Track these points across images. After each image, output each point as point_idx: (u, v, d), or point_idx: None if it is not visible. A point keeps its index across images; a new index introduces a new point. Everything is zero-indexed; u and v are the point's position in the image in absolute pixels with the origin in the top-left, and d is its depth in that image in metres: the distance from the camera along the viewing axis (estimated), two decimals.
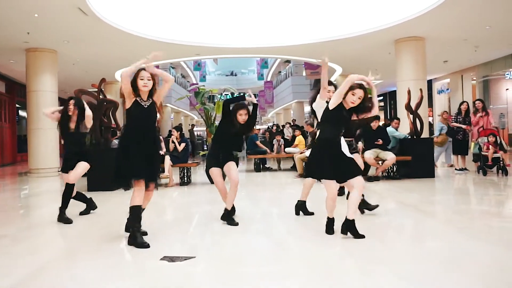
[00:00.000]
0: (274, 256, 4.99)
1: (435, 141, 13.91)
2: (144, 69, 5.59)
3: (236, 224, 6.48)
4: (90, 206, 7.89)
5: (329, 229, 5.68)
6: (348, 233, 5.47)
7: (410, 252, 5.00)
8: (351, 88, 5.38)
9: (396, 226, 6.46)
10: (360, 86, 5.43)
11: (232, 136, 6.79)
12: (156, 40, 16.14)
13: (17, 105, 24.85)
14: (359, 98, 5.39)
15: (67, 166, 7.34)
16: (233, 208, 6.91)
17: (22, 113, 25.80)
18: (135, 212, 5.45)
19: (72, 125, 7.27)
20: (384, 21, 15.15)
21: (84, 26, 13.73)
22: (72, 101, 7.32)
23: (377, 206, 7.17)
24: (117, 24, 14.25)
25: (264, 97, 43.47)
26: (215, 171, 6.76)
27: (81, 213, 7.73)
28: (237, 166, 7.03)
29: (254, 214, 7.55)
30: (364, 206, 7.07)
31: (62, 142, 7.68)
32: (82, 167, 7.38)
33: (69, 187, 7.38)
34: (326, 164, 5.39)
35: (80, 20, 13.10)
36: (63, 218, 7.09)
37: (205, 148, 25.65)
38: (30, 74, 16.47)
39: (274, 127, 25.05)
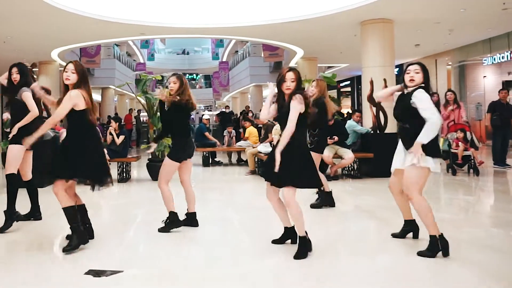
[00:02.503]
0: (212, 271, 5.06)
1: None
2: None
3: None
4: (34, 213, 7.41)
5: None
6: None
7: (357, 268, 5.09)
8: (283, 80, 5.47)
9: (348, 234, 6.59)
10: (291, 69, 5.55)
11: None
12: (95, 18, 15.98)
13: None
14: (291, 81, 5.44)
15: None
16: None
17: None
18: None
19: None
20: (349, 1, 15.17)
21: (18, 2, 13.51)
22: (15, 69, 7.13)
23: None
24: (54, 1, 13.98)
25: (218, 79, 43.14)
26: None
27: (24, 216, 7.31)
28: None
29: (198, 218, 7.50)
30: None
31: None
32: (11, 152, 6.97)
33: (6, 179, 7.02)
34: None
35: None
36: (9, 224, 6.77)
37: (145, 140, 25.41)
38: None
39: (227, 109, 24.57)
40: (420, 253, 5.33)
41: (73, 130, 5.77)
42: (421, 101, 5.27)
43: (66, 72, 5.60)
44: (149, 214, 8.08)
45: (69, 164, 5.59)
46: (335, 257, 5.52)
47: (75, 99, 5.53)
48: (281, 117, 5.52)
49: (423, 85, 5.46)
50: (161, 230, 6.60)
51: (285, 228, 5.86)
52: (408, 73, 5.52)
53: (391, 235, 6.16)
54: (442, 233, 5.29)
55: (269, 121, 13.83)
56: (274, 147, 5.62)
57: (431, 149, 5.29)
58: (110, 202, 9.16)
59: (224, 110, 22.31)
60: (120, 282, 4.65)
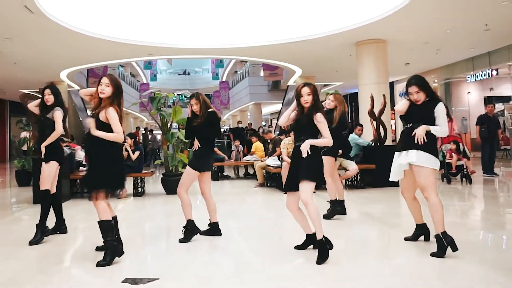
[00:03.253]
0: (241, 276, 5.02)
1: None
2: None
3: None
4: (59, 227, 7.24)
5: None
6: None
7: (378, 267, 5.12)
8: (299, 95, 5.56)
9: (362, 239, 6.55)
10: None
11: None
12: (106, 39, 15.93)
13: None
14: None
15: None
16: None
17: None
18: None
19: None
20: (345, 23, 15.28)
21: (29, 23, 13.34)
22: (48, 90, 7.03)
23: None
24: (64, 21, 13.90)
25: (219, 98, 43.24)
26: None
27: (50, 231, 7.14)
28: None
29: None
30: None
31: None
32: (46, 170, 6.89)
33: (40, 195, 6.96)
34: None
35: (25, 17, 12.70)
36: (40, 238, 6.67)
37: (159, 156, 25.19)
38: None
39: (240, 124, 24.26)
40: (433, 254, 5.37)
41: (103, 143, 5.54)
42: (443, 113, 5.51)
43: (101, 85, 5.53)
44: (168, 226, 8.02)
45: (103, 176, 5.50)
46: (353, 259, 5.47)
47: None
48: (298, 126, 5.63)
49: (428, 99, 5.55)
50: (182, 240, 6.52)
51: (307, 235, 5.83)
52: (411, 95, 5.59)
53: (404, 239, 6.16)
54: (445, 231, 5.37)
55: (277, 136, 13.85)
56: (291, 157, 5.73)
57: (432, 148, 5.50)
58: (129, 215, 9.05)
59: (238, 126, 22.15)
60: (160, 287, 4.59)
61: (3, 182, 15.64)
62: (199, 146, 6.73)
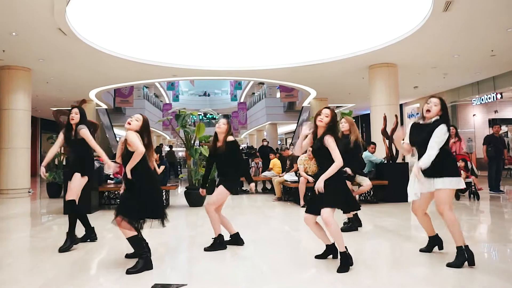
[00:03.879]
0: (265, 281, 4.99)
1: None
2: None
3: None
4: (89, 234, 7.24)
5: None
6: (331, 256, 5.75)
7: (394, 279, 5.05)
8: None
9: (378, 250, 6.49)
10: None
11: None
12: (134, 60, 16.03)
13: None
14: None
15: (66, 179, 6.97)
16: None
17: None
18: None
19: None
20: (358, 48, 15.32)
21: (61, 44, 13.44)
22: (75, 110, 7.02)
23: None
24: (94, 43, 14.02)
25: (237, 118, 43.45)
26: None
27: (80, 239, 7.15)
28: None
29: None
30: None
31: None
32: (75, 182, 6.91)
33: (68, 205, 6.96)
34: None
35: (58, 39, 12.83)
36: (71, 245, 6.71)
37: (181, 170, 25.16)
38: (3, 92, 15.92)
39: (265, 142, 24.15)
40: (449, 264, 5.34)
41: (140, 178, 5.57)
42: (436, 136, 5.34)
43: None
44: (191, 236, 8.00)
45: (139, 206, 5.49)
46: (372, 269, 5.43)
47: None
48: (316, 153, 5.63)
49: (438, 117, 5.50)
50: (207, 249, 6.51)
51: (326, 245, 5.83)
52: (428, 104, 5.55)
53: (419, 250, 6.12)
54: (467, 245, 5.37)
55: (293, 153, 13.82)
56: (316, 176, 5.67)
57: (454, 170, 5.49)
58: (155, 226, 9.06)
59: (263, 144, 22.06)
60: None
61: (34, 194, 15.68)
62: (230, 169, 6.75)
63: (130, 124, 5.55)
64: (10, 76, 15.93)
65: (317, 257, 5.88)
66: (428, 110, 5.52)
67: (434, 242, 6.09)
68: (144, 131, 5.60)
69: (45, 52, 14.31)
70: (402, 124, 23.57)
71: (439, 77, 19.61)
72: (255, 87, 44.75)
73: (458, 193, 12.36)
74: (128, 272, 5.25)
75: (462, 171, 12.17)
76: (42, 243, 7.34)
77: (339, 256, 5.35)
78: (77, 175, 6.87)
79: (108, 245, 7.20)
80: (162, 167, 12.45)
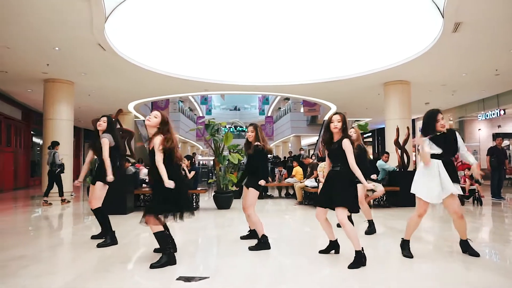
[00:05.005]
0: (284, 276, 4.93)
1: None
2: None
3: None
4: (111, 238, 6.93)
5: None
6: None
7: (407, 273, 4.99)
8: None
9: (390, 249, 6.38)
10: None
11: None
12: (168, 75, 16.08)
13: (32, 132, 23.90)
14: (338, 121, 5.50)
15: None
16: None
17: (35, 139, 24.78)
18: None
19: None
20: (374, 66, 15.27)
21: (101, 59, 13.54)
22: (104, 118, 7.02)
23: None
24: (132, 58, 14.10)
25: (265, 131, 43.31)
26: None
27: (94, 237, 7.27)
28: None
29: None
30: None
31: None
32: (97, 187, 6.86)
33: (95, 212, 6.90)
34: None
35: (98, 54, 12.94)
36: (113, 240, 6.75)
37: (212, 176, 25.19)
38: (48, 103, 16.08)
39: (302, 151, 23.72)
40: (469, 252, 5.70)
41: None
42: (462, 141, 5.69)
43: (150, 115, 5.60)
44: (218, 235, 7.96)
45: (162, 201, 5.39)
46: (384, 265, 5.36)
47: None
48: (332, 154, 5.57)
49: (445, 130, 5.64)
50: (252, 248, 6.39)
51: (330, 241, 5.94)
52: (439, 121, 5.52)
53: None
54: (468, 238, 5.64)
55: (314, 161, 13.75)
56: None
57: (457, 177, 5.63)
58: (184, 226, 9.00)
59: (300, 152, 22.02)
60: (208, 286, 4.54)
61: (77, 197, 15.80)
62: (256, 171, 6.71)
63: (149, 120, 5.47)
64: (54, 89, 16.06)
65: (320, 251, 5.96)
66: (443, 126, 5.56)
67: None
68: (164, 127, 5.47)
69: (87, 66, 14.42)
70: (414, 136, 23.44)
71: (448, 94, 19.44)
72: (281, 102, 44.91)
73: (463, 199, 12.24)
74: (152, 266, 5.23)
75: (467, 179, 12.07)
76: (80, 239, 7.38)
77: (354, 255, 5.27)
78: (99, 184, 6.82)
79: (141, 242, 7.19)
80: (193, 173, 12.46)
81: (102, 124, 6.96)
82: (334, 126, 5.44)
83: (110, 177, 6.61)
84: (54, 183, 13.48)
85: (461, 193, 5.56)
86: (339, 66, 16.25)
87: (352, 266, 5.14)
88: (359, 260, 5.20)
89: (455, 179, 5.48)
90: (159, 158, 5.26)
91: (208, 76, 17.17)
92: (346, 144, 5.31)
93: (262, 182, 6.61)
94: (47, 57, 13.21)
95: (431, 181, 5.52)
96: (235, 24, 13.65)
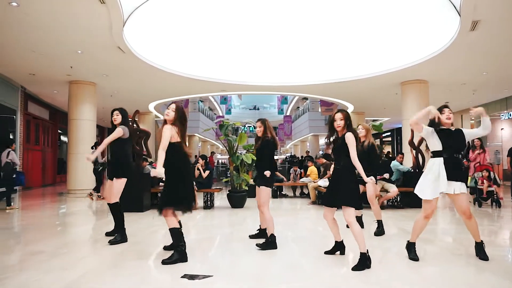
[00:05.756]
0: (287, 276, 4.93)
1: None
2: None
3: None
4: (116, 232, 7.00)
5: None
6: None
7: (410, 275, 4.95)
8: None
9: (398, 251, 6.33)
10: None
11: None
12: (187, 76, 16.32)
13: (59, 131, 24.90)
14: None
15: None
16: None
17: (63, 138, 25.92)
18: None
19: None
20: (392, 65, 15.22)
21: (121, 61, 13.92)
22: (116, 112, 7.24)
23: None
24: (150, 61, 14.42)
25: (283, 130, 43.58)
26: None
27: (108, 234, 7.33)
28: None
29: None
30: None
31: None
32: (116, 185, 6.89)
33: (111, 208, 6.94)
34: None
35: (118, 57, 13.32)
36: (123, 238, 6.84)
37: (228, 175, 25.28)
38: (72, 104, 16.60)
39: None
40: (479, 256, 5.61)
41: (172, 168, 5.50)
42: (468, 129, 5.69)
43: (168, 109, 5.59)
44: (231, 233, 8.01)
45: (171, 197, 5.49)
46: (389, 266, 5.34)
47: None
48: (335, 149, 5.53)
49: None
50: (258, 245, 6.41)
51: (336, 242, 5.95)
52: (444, 113, 5.56)
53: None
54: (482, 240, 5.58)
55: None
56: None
57: (464, 176, 5.53)
58: (198, 224, 9.07)
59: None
60: (210, 284, 4.57)
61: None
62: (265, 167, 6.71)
63: (168, 115, 5.52)
64: (78, 90, 16.58)
65: (326, 252, 5.97)
66: (449, 118, 5.59)
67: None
68: (177, 119, 5.52)
69: (108, 68, 14.77)
70: None
71: (469, 93, 19.25)
72: (300, 102, 44.90)
73: (481, 201, 12.07)
74: (164, 262, 5.34)
75: (485, 180, 11.91)
76: (97, 236, 7.55)
77: (359, 256, 5.23)
78: (115, 180, 6.88)
79: (154, 239, 7.28)
80: (207, 172, 12.51)
81: (117, 118, 7.21)
82: (337, 125, 5.42)
83: (89, 156, 6.86)
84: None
85: (465, 191, 5.43)
86: (356, 66, 16.22)
87: (357, 268, 5.11)
88: (364, 262, 5.17)
89: (459, 177, 5.41)
90: (161, 145, 5.31)
91: (225, 77, 17.35)
92: (349, 137, 5.27)
93: (267, 173, 6.61)
94: (70, 59, 13.67)
95: (432, 180, 5.48)
96: (252, 25, 13.76)
